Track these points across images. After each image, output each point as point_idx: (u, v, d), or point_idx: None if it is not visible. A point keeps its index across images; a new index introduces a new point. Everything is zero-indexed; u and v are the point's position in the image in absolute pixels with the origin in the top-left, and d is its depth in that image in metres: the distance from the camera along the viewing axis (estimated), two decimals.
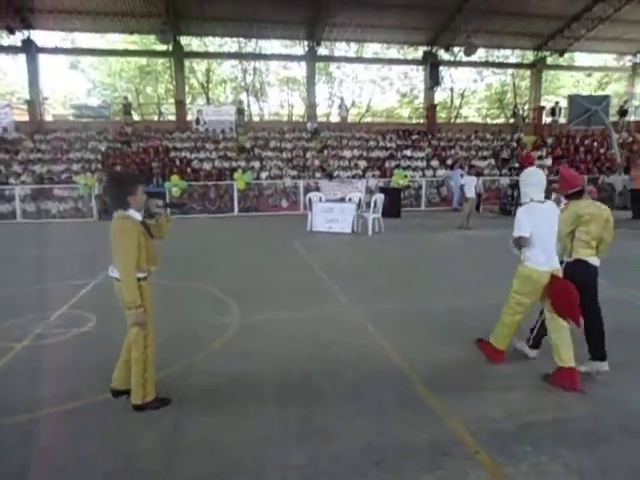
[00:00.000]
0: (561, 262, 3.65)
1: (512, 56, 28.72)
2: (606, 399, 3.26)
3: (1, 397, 3.38)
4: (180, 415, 3.12)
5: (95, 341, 4.44)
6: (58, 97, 30.03)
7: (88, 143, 19.30)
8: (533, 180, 3.60)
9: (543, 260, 3.53)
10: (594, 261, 3.64)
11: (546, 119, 24.64)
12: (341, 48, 26.72)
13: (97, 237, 11.32)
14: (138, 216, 3.05)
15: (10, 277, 7.16)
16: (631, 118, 25.41)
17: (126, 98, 21.94)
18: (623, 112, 24.34)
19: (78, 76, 32.04)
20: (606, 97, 19.28)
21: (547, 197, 3.67)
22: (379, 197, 11.61)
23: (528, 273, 3.59)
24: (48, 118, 22.12)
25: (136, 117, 23.23)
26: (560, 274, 3.54)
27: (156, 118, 27.99)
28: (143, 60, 28.81)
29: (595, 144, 22.61)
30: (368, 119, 31.06)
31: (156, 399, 3.18)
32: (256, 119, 28.51)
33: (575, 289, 3.41)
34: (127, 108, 21.04)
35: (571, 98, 19.28)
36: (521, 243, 3.54)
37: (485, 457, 2.61)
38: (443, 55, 23.78)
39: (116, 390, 3.29)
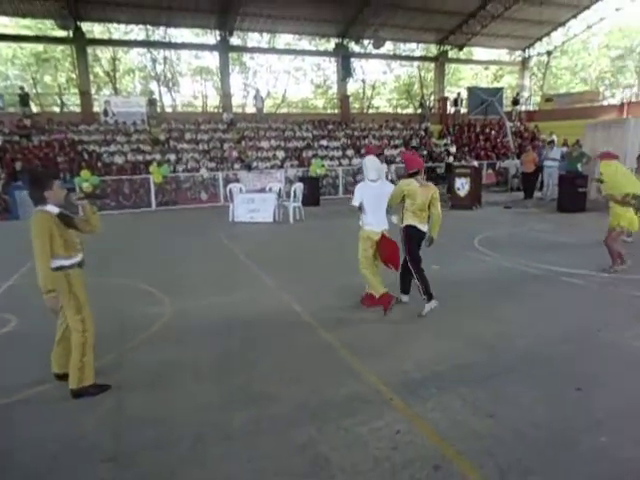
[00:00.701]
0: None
1: (418, 49, 30.34)
2: (496, 347, 3.89)
3: None
4: (122, 396, 3.29)
5: (19, 339, 4.38)
6: None
7: None
8: (369, 166, 4.88)
9: (375, 224, 4.84)
10: (422, 227, 4.82)
11: (450, 109, 26.41)
12: (254, 38, 26.60)
13: (6, 238, 10.63)
14: (55, 209, 3.20)
15: None
16: (522, 108, 28.03)
17: (22, 88, 20.22)
18: (515, 103, 26.77)
19: None
20: (500, 89, 21.17)
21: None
22: (298, 186, 11.99)
23: (366, 234, 4.90)
24: None
25: (35, 108, 21.53)
26: (387, 234, 4.89)
27: (58, 110, 26.08)
28: (39, 46, 26.61)
29: (493, 132, 24.72)
30: (284, 110, 31.29)
31: (94, 384, 3.31)
32: (169, 110, 27.59)
33: (396, 245, 4.79)
34: (24, 99, 19.42)
35: (470, 90, 20.93)
36: (358, 210, 4.92)
37: (398, 401, 3.09)
38: (354, 47, 24.61)
39: (57, 374, 3.41)
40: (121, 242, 9.64)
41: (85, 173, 15.00)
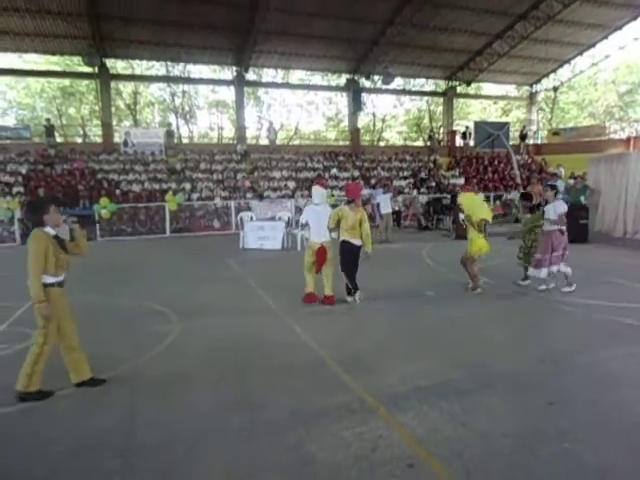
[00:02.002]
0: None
1: (427, 84, 31.26)
2: (478, 366, 4.18)
3: None
4: (134, 402, 3.65)
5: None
6: None
7: (7, 166, 18.60)
8: (314, 193, 6.65)
9: (316, 237, 6.37)
10: (355, 242, 6.25)
11: (463, 141, 26.95)
12: (268, 73, 27.76)
13: (23, 261, 11.17)
14: (52, 231, 3.67)
15: None
16: (530, 141, 28.54)
17: (48, 120, 21.35)
18: (523, 136, 27.31)
19: None
20: (506, 124, 21.73)
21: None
22: None
23: (311, 244, 6.44)
24: None
25: (59, 139, 22.60)
26: (326, 245, 6.31)
27: (80, 140, 27.27)
28: (66, 81, 28.07)
29: (501, 165, 25.19)
30: (296, 141, 32.22)
31: (39, 391, 3.65)
32: (185, 141, 28.66)
33: (324, 253, 6.29)
34: (50, 130, 20.49)
35: (477, 124, 21.50)
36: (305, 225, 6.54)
37: (383, 411, 3.39)
38: (364, 82, 25.54)
39: (76, 383, 3.80)
40: (136, 266, 10.11)
41: (104, 200, 15.70)
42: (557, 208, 6.77)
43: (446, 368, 4.18)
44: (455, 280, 7.88)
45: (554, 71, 27.76)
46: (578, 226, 11.91)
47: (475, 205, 6.86)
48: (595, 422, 3.19)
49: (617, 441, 2.95)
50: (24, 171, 18.44)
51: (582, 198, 13.77)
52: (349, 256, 6.27)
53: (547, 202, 7.00)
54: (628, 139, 24.18)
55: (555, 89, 29.44)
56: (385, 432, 3.11)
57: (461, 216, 6.94)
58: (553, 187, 7.20)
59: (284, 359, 4.47)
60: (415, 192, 19.76)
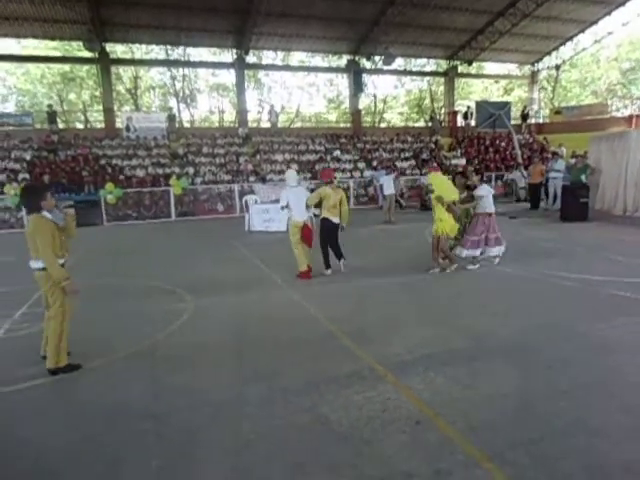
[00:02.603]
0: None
1: (428, 65, 31.02)
2: (481, 336, 4.40)
3: None
4: (158, 372, 3.89)
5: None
6: None
7: (11, 152, 18.71)
8: (289, 176, 7.19)
9: (298, 216, 6.92)
10: (334, 219, 6.91)
11: (461, 122, 26.92)
12: (269, 56, 27.59)
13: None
14: (49, 215, 3.85)
15: None
16: (532, 121, 28.44)
17: (50, 106, 21.36)
18: (525, 116, 27.20)
19: None
20: (507, 103, 21.63)
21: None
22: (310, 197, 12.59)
23: (293, 223, 6.99)
24: None
25: (61, 125, 22.63)
26: (308, 223, 7.02)
27: (82, 126, 27.29)
28: (66, 66, 27.95)
29: (502, 144, 25.18)
30: (298, 124, 32.12)
31: (68, 365, 3.92)
32: (187, 125, 28.60)
33: (310, 231, 7.02)
34: (52, 116, 20.53)
35: (478, 104, 21.42)
36: (286, 207, 7.01)
37: (391, 377, 3.62)
38: (365, 63, 25.38)
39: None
40: (145, 249, 10.32)
41: (109, 185, 15.86)
42: (477, 191, 7.08)
43: (450, 338, 4.40)
44: (458, 259, 8.07)
45: (556, 49, 27.51)
46: (578, 204, 12.07)
47: (445, 186, 6.94)
48: (591, 384, 3.41)
49: (611, 400, 3.17)
50: (28, 157, 18.55)
51: (583, 177, 13.87)
52: (327, 232, 7.01)
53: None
54: (630, 117, 24.07)
55: (557, 67, 29.20)
56: (393, 395, 3.34)
57: (431, 196, 7.08)
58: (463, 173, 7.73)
59: (295, 332, 4.70)
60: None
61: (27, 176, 17.25)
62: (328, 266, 7.17)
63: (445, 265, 7.16)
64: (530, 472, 2.47)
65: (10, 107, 29.45)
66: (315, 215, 7.55)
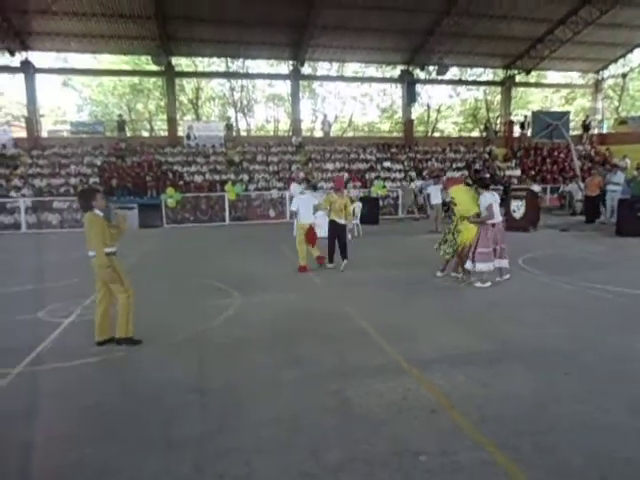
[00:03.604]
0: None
1: (484, 74, 30.59)
2: (509, 341, 4.56)
3: (63, 352, 4.57)
4: (202, 356, 4.37)
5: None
6: (50, 114, 31.02)
7: (84, 158, 20.39)
8: (296, 188, 10.98)
9: (305, 219, 8.21)
10: (339, 220, 8.20)
11: (521, 131, 26.24)
12: (323, 67, 28.29)
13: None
14: (100, 213, 4.54)
15: (47, 274, 8.32)
16: (595, 131, 27.35)
17: (120, 116, 23.08)
18: (586, 126, 26.22)
19: (69, 93, 33.12)
20: (566, 113, 20.97)
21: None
22: (357, 205, 12.95)
23: (300, 225, 8.31)
24: (43, 134, 23.11)
25: (128, 133, 24.34)
26: (314, 225, 8.31)
27: (147, 134, 29.12)
28: (135, 78, 30.02)
29: (561, 156, 24.40)
30: (350, 133, 32.62)
31: (131, 338, 4.60)
32: (243, 134, 29.81)
33: (313, 231, 8.26)
34: (122, 125, 22.19)
35: (534, 114, 20.92)
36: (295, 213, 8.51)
37: (415, 372, 3.88)
38: (419, 73, 25.47)
39: (100, 341, 4.61)
40: (199, 250, 11.04)
41: (170, 190, 16.95)
42: (483, 200, 6.69)
43: (476, 341, 4.59)
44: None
45: (623, 56, 26.36)
46: (635, 219, 11.62)
47: (466, 198, 6.85)
48: (609, 391, 3.51)
49: (623, 404, 3.28)
50: (99, 163, 20.15)
51: None
52: (334, 231, 8.27)
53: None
54: None
55: (624, 75, 27.98)
56: (414, 387, 3.61)
57: (455, 210, 7.05)
58: (477, 181, 7.16)
59: (330, 328, 5.05)
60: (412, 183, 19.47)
61: (97, 180, 18.74)
62: (331, 261, 8.37)
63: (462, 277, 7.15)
64: (530, 457, 2.68)
65: (84, 116, 31.95)
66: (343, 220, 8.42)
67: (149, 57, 22.17)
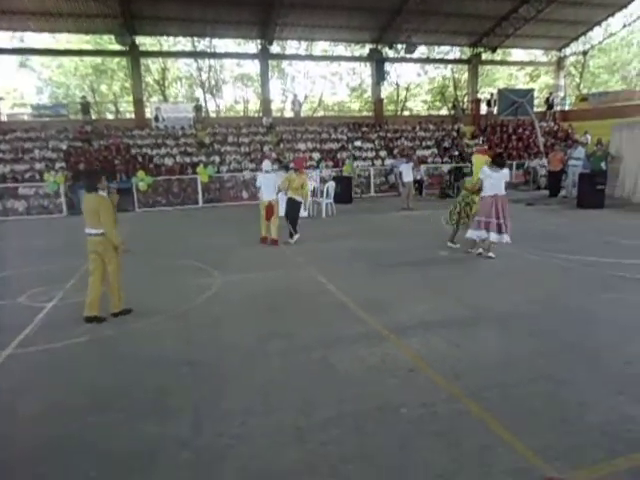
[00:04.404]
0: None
1: (452, 52, 30.86)
2: (479, 307, 4.89)
3: (51, 333, 4.65)
4: (189, 330, 4.54)
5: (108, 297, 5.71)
6: (7, 97, 29.72)
7: (48, 142, 19.76)
8: (265, 165, 9.13)
9: (266, 196, 8.80)
10: (297, 198, 8.89)
11: (488, 109, 26.72)
12: (292, 46, 27.94)
13: (76, 229, 12.28)
14: (104, 194, 4.92)
15: (21, 261, 8.20)
16: (557, 108, 28.12)
17: (84, 97, 22.38)
18: (550, 103, 26.93)
19: (27, 75, 31.75)
20: (530, 90, 21.54)
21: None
22: (330, 185, 13.13)
23: (263, 202, 8.86)
24: (2, 118, 22.21)
25: (93, 115, 23.62)
26: (272, 202, 8.80)
27: (112, 116, 28.32)
28: (98, 59, 28.99)
29: (526, 132, 25.06)
30: (320, 113, 32.47)
31: (124, 309, 5.01)
32: (213, 115, 29.31)
33: (272, 208, 8.75)
34: (86, 107, 21.52)
35: (500, 92, 21.40)
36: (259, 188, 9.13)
37: (393, 337, 4.16)
38: (388, 52, 25.51)
39: (90, 317, 4.84)
40: (175, 232, 11.05)
41: (141, 174, 16.70)
42: (481, 172, 7.22)
43: (450, 308, 4.91)
44: (468, 241, 8.50)
45: (584, 34, 26.99)
46: (595, 192, 12.22)
47: (477, 168, 7.56)
48: (569, 349, 3.87)
49: (584, 361, 3.64)
50: (64, 147, 19.56)
51: (603, 164, 13.99)
52: (292, 208, 8.94)
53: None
54: None
55: (585, 53, 28.67)
56: (393, 351, 3.88)
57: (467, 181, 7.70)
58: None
59: (312, 302, 5.28)
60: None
61: (64, 165, 18.25)
62: (295, 232, 9.04)
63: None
64: (499, 406, 2.99)
65: (44, 99, 30.74)
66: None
67: (112, 36, 21.43)
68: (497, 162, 7.13)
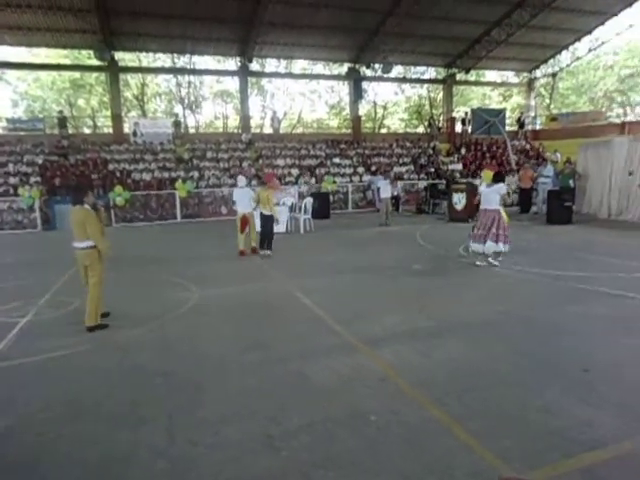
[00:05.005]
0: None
1: (427, 72, 31.73)
2: (446, 318, 5.06)
3: (26, 348, 4.63)
4: (166, 343, 4.57)
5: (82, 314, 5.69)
6: None
7: (23, 157, 19.51)
8: (240, 180, 10.01)
9: (240, 209, 9.56)
10: (266, 212, 9.16)
11: (463, 127, 27.44)
12: (272, 63, 28.36)
13: (51, 245, 12.15)
14: (89, 207, 5.07)
15: None
16: (529, 127, 29.10)
17: (61, 112, 22.22)
18: (521, 123, 27.87)
19: (2, 88, 31.34)
20: (502, 110, 22.23)
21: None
22: (308, 201, 13.31)
23: (238, 214, 9.58)
24: None
25: (70, 130, 23.45)
26: (247, 214, 9.52)
27: (90, 131, 28.11)
28: (76, 73, 28.86)
29: (499, 150, 25.83)
30: (299, 130, 32.91)
31: (100, 324, 5.07)
32: (192, 131, 29.41)
33: (247, 220, 9.49)
34: (63, 122, 21.37)
35: (473, 111, 22.06)
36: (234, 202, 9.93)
37: (365, 349, 4.29)
38: (365, 71, 26.11)
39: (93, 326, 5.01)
40: (153, 248, 11.04)
41: (118, 189, 16.61)
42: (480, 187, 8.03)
43: (421, 320, 5.07)
44: (441, 256, 8.75)
45: (552, 57, 28.15)
46: (563, 208, 12.68)
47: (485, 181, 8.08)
48: (528, 355, 4.07)
49: (541, 367, 3.83)
50: (40, 161, 19.34)
51: (570, 182, 14.55)
52: (263, 222, 9.30)
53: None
54: (623, 124, 24.69)
55: (554, 75, 29.85)
56: (365, 362, 4.01)
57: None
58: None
59: (288, 315, 5.38)
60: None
61: (39, 179, 18.03)
62: (262, 247, 9.35)
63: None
64: (462, 412, 3.13)
65: (19, 112, 30.36)
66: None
67: (91, 51, 21.43)
68: (494, 178, 7.78)
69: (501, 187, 7.66)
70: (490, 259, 7.77)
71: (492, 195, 7.62)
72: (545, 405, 3.19)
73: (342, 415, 3.15)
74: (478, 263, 7.79)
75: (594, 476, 2.45)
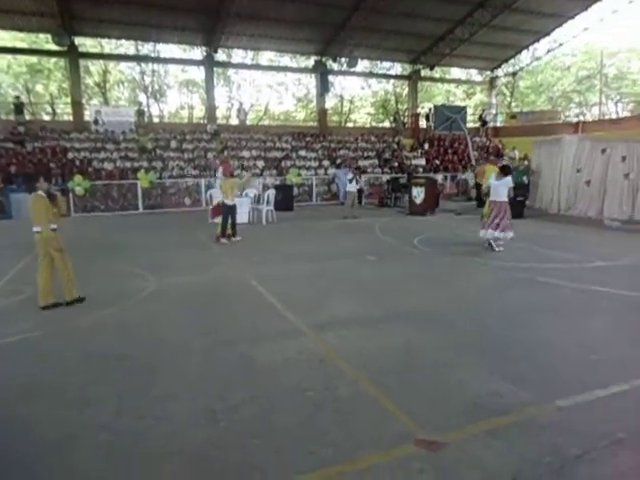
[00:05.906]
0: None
1: (393, 68, 32.19)
2: (393, 306, 5.37)
3: None
4: (125, 327, 4.70)
5: (34, 301, 5.71)
6: None
7: None
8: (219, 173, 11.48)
9: (216, 199, 10.80)
10: (228, 202, 9.76)
11: (426, 123, 28.03)
12: (238, 54, 28.14)
13: (6, 234, 11.86)
14: (44, 194, 5.39)
15: None
16: (490, 124, 30.00)
17: (18, 97, 21.47)
18: (483, 120, 28.71)
19: None
20: (463, 108, 22.91)
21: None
22: (271, 192, 13.48)
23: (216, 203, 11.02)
24: None
25: (27, 116, 22.69)
26: (220, 203, 10.27)
27: (48, 118, 27.25)
28: (33, 58, 27.83)
29: (461, 146, 26.56)
30: (266, 122, 32.85)
31: (79, 297, 5.58)
32: (156, 120, 28.90)
33: (218, 208, 10.55)
34: (19, 107, 20.64)
35: (436, 108, 22.60)
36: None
37: (311, 333, 4.54)
38: (332, 65, 26.30)
39: (47, 305, 5.30)
40: (112, 238, 10.99)
41: (78, 178, 16.30)
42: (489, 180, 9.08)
43: (369, 308, 5.37)
44: (396, 247, 9.11)
45: (513, 57, 29.08)
46: (515, 203, 13.26)
47: (487, 174, 9.15)
48: (459, 341, 4.42)
49: (478, 350, 4.17)
50: None
51: (524, 178, 15.21)
52: (224, 211, 9.79)
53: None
54: (577, 123, 25.82)
55: (514, 74, 30.85)
56: (310, 345, 4.26)
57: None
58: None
59: (241, 302, 5.59)
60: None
61: None
62: (222, 237, 9.74)
63: None
64: (393, 388, 3.43)
65: None
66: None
67: (49, 35, 20.76)
68: (502, 171, 8.65)
69: (509, 180, 8.50)
70: (493, 244, 8.53)
71: (502, 188, 8.47)
72: (464, 380, 3.52)
73: (282, 391, 3.39)
74: (497, 249, 8.48)
75: (496, 435, 2.78)
